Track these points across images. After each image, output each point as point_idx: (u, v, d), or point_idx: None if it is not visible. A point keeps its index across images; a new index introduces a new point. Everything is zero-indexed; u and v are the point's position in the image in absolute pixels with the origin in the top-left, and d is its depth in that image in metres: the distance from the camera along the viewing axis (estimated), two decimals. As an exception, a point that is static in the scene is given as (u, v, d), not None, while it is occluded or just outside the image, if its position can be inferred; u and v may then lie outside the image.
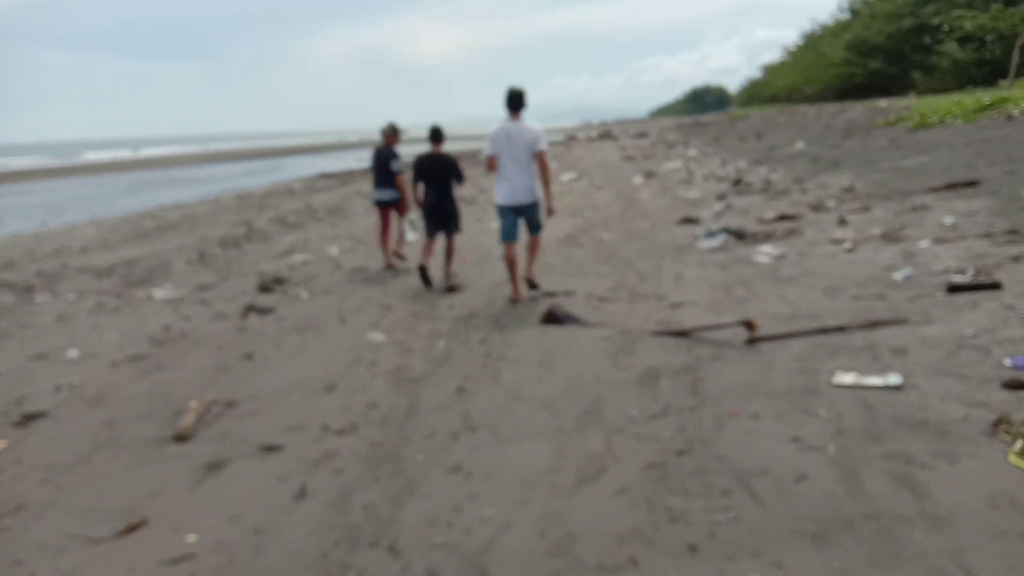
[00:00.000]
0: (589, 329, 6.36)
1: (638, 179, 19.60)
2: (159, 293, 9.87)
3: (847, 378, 4.64)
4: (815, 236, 9.21)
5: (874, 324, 5.64)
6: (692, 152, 27.44)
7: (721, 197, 13.67)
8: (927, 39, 43.89)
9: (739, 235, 9.52)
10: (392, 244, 10.40)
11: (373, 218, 16.07)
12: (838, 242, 8.72)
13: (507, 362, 5.73)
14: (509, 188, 7.35)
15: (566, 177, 21.36)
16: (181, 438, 4.79)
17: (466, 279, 9.03)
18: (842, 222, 9.79)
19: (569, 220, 13.27)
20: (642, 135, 53.51)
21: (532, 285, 7.89)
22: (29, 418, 5.40)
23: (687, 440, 4.02)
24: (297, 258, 11.85)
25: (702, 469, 3.69)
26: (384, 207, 10.16)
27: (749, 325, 5.59)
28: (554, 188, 11.76)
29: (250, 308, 8.42)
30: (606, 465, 3.84)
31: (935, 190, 11.18)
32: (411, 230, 10.83)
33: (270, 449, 4.48)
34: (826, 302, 6.44)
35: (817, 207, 11.27)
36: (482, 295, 8.11)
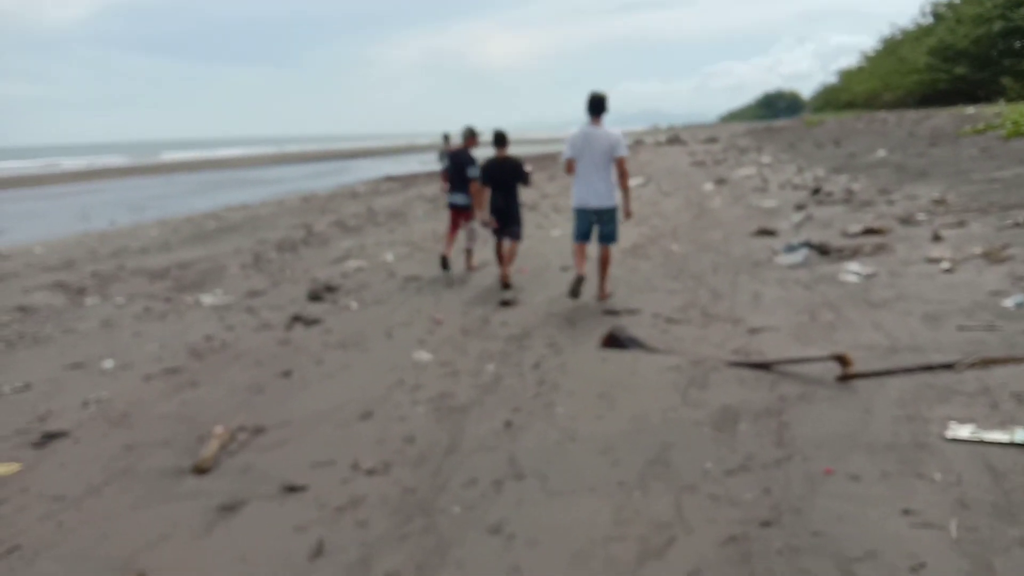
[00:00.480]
0: (655, 356, 5.72)
1: (709, 186, 18.77)
2: (208, 299, 9.57)
3: (963, 431, 3.91)
4: (908, 253, 8.36)
5: (988, 362, 4.86)
6: (766, 159, 26.37)
7: (800, 207, 12.80)
8: (1018, 43, 41.64)
9: (822, 250, 8.73)
10: (453, 248, 10.37)
11: (431, 223, 15.70)
12: (934, 261, 7.87)
13: (562, 392, 5.13)
14: (586, 191, 7.43)
15: (633, 183, 20.60)
16: (200, 470, 4.33)
17: (523, 293, 8.46)
18: (937, 238, 8.90)
19: (635, 228, 12.58)
20: (712, 140, 52.23)
21: (576, 294, 7.62)
22: (49, 438, 5.03)
23: (774, 506, 3.37)
24: (351, 264, 11.46)
25: (793, 548, 3.03)
26: (457, 211, 10.14)
27: (842, 360, 4.87)
28: (620, 195, 11.18)
29: (296, 318, 8.01)
30: (675, 535, 3.21)
31: (1041, 204, 10.16)
32: (471, 237, 10.36)
33: (292, 490, 3.98)
34: (927, 332, 5.66)
35: (907, 220, 10.36)
36: (538, 312, 7.52)
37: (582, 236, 7.63)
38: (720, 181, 19.42)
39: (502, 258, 9.06)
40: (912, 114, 34.50)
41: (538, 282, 9.04)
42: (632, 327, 6.44)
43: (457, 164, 9.88)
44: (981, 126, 20.15)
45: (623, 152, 7.29)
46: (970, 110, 27.11)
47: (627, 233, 11.70)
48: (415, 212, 18.80)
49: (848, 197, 13.48)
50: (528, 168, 9.08)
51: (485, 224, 9.16)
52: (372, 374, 5.91)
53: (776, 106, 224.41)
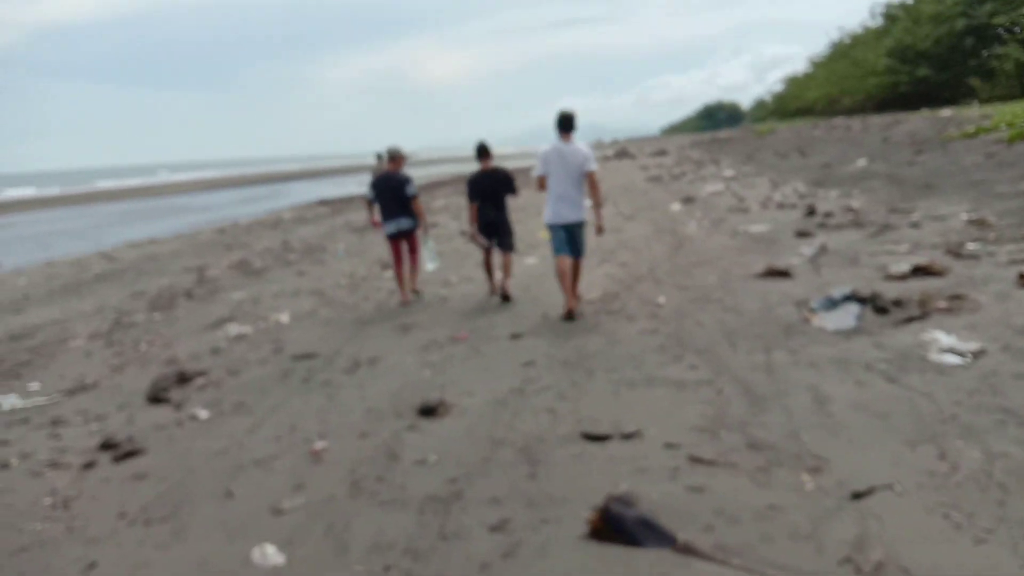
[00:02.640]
0: (692, 566, 3.04)
1: (676, 206, 16.30)
2: (9, 401, 6.69)
3: None
4: (1000, 308, 5.87)
5: None
6: (728, 172, 24.13)
7: (803, 234, 10.34)
8: (973, 41, 40.15)
9: (877, 305, 6.18)
10: (406, 276, 9.30)
11: (350, 263, 12.94)
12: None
13: None
14: (560, 207, 7.53)
15: (589, 203, 18.06)
16: None
17: (457, 393, 5.74)
18: None
19: (601, 267, 9.98)
20: (661, 152, 50.22)
21: (570, 316, 7.40)
22: None
23: None
24: (232, 330, 8.65)
25: None
26: (401, 238, 9.13)
27: None
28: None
29: (107, 446, 5.19)
30: None
31: None
32: (432, 258, 9.43)
33: None
34: None
35: (957, 253, 7.94)
36: (477, 431, 4.79)
37: (561, 249, 7.61)
38: (688, 200, 16.98)
39: (491, 272, 9.02)
40: (877, 119, 32.74)
41: (482, 365, 6.33)
42: (637, 480, 3.77)
43: (393, 186, 8.93)
44: (971, 129, 18.12)
45: (594, 166, 7.53)
46: (945, 112, 25.34)
47: (591, 273, 9.12)
48: (335, 247, 15.95)
49: (856, 219, 11.08)
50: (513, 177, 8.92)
51: (475, 241, 8.86)
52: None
53: (716, 117, 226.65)
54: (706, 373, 5.27)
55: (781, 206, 13.78)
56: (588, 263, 9.96)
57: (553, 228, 7.65)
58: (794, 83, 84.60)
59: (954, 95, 39.63)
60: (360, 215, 24.54)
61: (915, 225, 9.90)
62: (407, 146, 9.62)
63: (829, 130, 34.33)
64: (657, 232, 12.80)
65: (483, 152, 8.75)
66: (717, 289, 7.88)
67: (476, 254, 12.29)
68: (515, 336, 6.93)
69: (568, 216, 7.56)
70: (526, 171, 12.66)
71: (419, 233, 9.24)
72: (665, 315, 7.08)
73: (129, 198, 55.53)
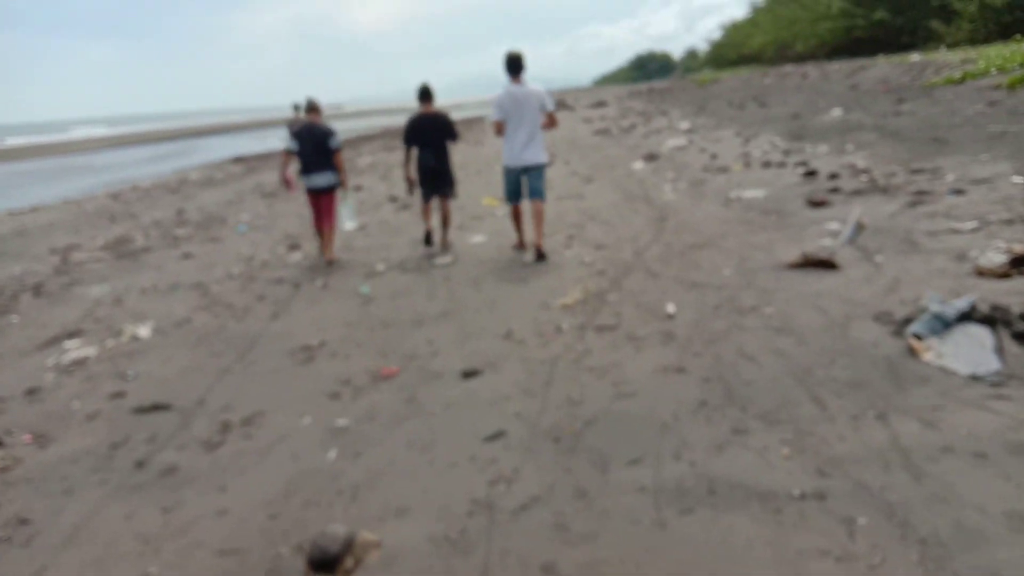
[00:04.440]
0: None
1: (639, 164, 14.14)
2: None
3: None
4: None
5: None
6: (684, 124, 22.03)
7: (817, 204, 8.28)
8: None
9: (1016, 330, 4.10)
10: (328, 237, 8.58)
11: (249, 242, 10.46)
12: None
13: None
14: (520, 150, 7.36)
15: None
16: None
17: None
18: None
19: (570, 249, 7.78)
20: (601, 104, 47.93)
21: (540, 255, 7.43)
22: None
23: None
24: (69, 354, 6.17)
25: None
26: (323, 193, 8.44)
27: None
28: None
29: None
30: None
31: None
32: (351, 216, 8.81)
33: None
34: None
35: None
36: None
37: (515, 196, 7.63)
38: (651, 157, 14.82)
39: (428, 216, 8.60)
40: (835, 66, 30.90)
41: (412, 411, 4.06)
42: None
43: (315, 138, 8.21)
44: (957, 75, 16.34)
45: (552, 106, 7.38)
46: (914, 57, 23.65)
47: (564, 267, 6.91)
48: (237, 218, 13.33)
49: (873, 182, 9.07)
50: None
51: (409, 185, 8.40)
52: None
53: (648, 68, 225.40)
54: (804, 473, 3.11)
55: (767, 164, 11.72)
56: (553, 244, 7.79)
57: (508, 171, 7.51)
58: (735, 30, 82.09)
59: (913, 39, 38.08)
60: (271, 176, 21.82)
61: (958, 191, 7.92)
62: (334, 98, 8.30)
63: (781, 78, 32.53)
64: (627, 199, 10.60)
65: (425, 95, 8.26)
66: (742, 288, 5.73)
67: (409, 229, 9.98)
68: (468, 374, 4.67)
69: (528, 159, 7.37)
70: (461, 123, 10.51)
71: (339, 191, 8.55)
72: (684, 334, 4.90)
73: (31, 157, 50.81)
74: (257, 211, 13.91)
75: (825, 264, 5.93)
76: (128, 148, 54.94)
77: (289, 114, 19.82)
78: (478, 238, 9.07)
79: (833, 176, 9.77)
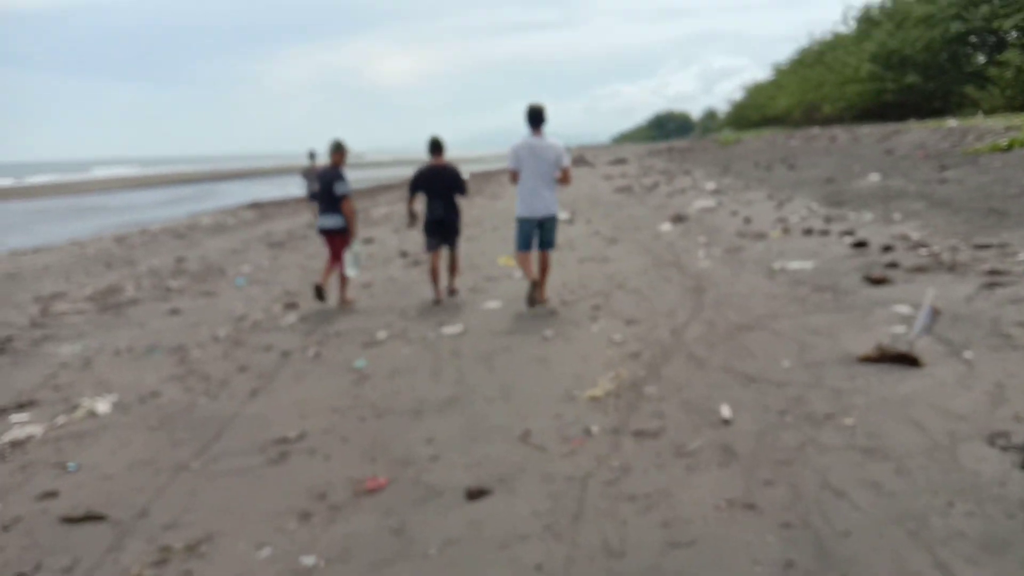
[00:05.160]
0: None
1: (666, 226, 13.27)
2: None
3: None
4: None
5: None
6: (710, 184, 21.24)
7: (876, 281, 7.33)
8: (966, 47, 37.56)
9: None
10: (329, 276, 8.75)
11: (244, 299, 9.61)
12: None
13: None
14: (532, 201, 7.47)
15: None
16: None
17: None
18: None
19: (596, 323, 6.86)
20: (620, 161, 47.52)
21: (533, 302, 7.52)
22: None
23: None
24: (13, 431, 5.27)
25: None
26: (330, 235, 8.61)
27: None
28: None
29: None
30: None
31: None
32: (352, 264, 8.57)
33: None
34: None
35: None
36: None
37: (525, 245, 7.66)
38: (678, 218, 13.96)
39: (436, 276, 8.39)
40: (865, 129, 30.16)
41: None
42: None
43: (326, 181, 8.54)
44: (1004, 143, 15.47)
45: (567, 162, 7.50)
46: (951, 123, 22.86)
47: (586, 339, 5.99)
48: (240, 268, 12.52)
49: (935, 257, 8.13)
50: (465, 177, 8.60)
51: (411, 217, 8.49)
52: None
53: (667, 127, 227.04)
54: None
55: (808, 232, 10.80)
56: (576, 315, 6.87)
57: (522, 222, 7.63)
58: (758, 91, 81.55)
59: (945, 105, 37.27)
60: (282, 224, 21.19)
61: (1037, 272, 6.96)
62: (356, 147, 8.16)
63: (808, 140, 31.83)
64: (657, 264, 9.70)
65: (436, 147, 8.37)
66: (809, 386, 4.75)
67: (418, 288, 9.11)
68: (474, 494, 3.71)
69: (540, 210, 7.51)
70: (479, 176, 9.72)
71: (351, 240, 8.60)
72: (746, 449, 3.93)
73: (51, 195, 50.79)
74: (260, 263, 13.10)
75: (906, 359, 4.96)
76: (148, 189, 54.97)
77: (306, 162, 19.37)
78: (493, 303, 8.18)
79: (887, 248, 8.84)
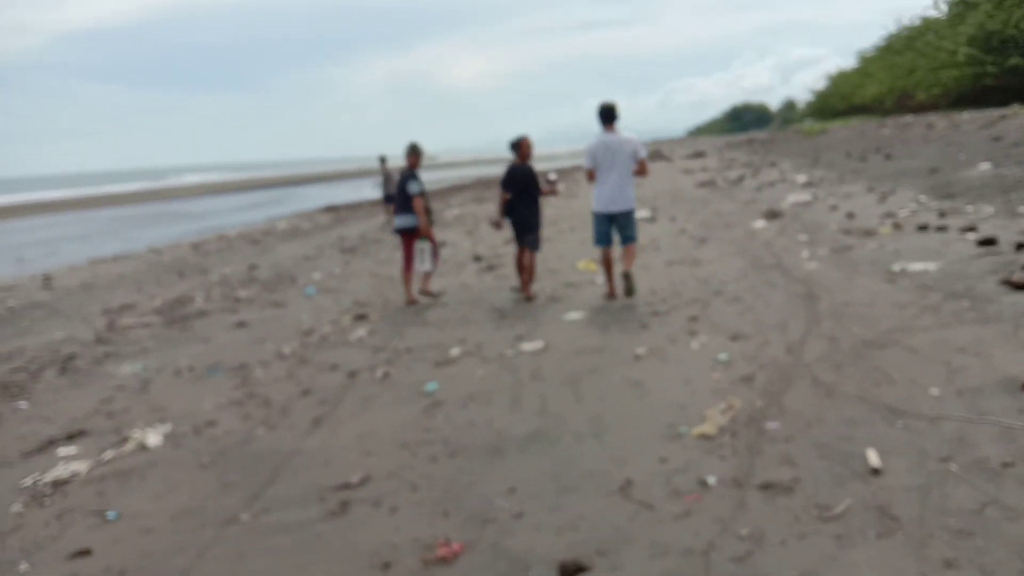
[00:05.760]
0: None
1: (760, 223, 12.30)
2: None
3: None
4: None
5: None
6: (801, 177, 19.99)
7: (1020, 286, 6.31)
8: None
9: None
10: (415, 278, 9.05)
11: (314, 308, 9.14)
12: None
13: None
14: (609, 196, 7.53)
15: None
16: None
17: None
18: None
19: (695, 337, 6.07)
20: (699, 155, 46.07)
21: (629, 284, 7.63)
22: None
23: None
24: (57, 468, 4.83)
25: None
26: (406, 235, 8.84)
27: None
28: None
29: None
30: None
31: None
32: (420, 260, 8.79)
33: None
34: None
35: None
36: None
37: (604, 240, 7.73)
38: (772, 215, 12.94)
39: (522, 269, 8.49)
40: (966, 116, 28.19)
41: None
42: None
43: (401, 182, 8.76)
44: None
45: (644, 154, 7.56)
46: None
47: (693, 366, 5.23)
48: (311, 276, 12.11)
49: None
50: (552, 177, 9.08)
51: (494, 225, 8.63)
52: None
53: (744, 119, 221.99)
54: None
55: (923, 228, 9.72)
56: (671, 328, 6.10)
57: (598, 217, 7.70)
58: (842, 80, 77.94)
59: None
60: (356, 228, 20.90)
61: None
62: (429, 148, 9.47)
63: (901, 129, 29.97)
64: (757, 267, 8.81)
65: (517, 147, 8.31)
66: (972, 423, 3.88)
67: (492, 296, 8.47)
68: (570, 571, 3.00)
69: (616, 205, 7.54)
70: (548, 174, 9.20)
71: (419, 238, 8.80)
72: (910, 514, 3.11)
73: (132, 203, 52.37)
74: (332, 269, 12.67)
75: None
76: (229, 195, 56.12)
77: (388, 164, 19.03)
78: (574, 315, 7.46)
79: (1021, 247, 7.75)
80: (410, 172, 8.76)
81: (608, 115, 7.53)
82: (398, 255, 9.29)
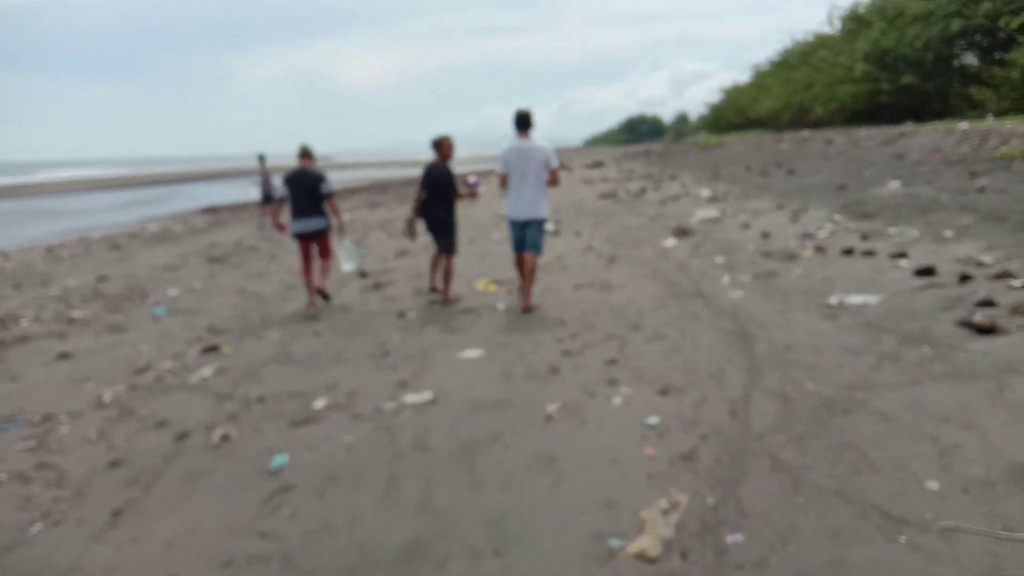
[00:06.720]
0: None
1: (671, 241, 11.43)
2: None
3: None
4: None
5: None
6: (704, 191, 19.44)
7: (980, 329, 5.50)
8: (968, 45, 35.72)
9: None
10: (316, 278, 8.65)
11: (154, 337, 7.57)
12: None
13: None
14: (520, 203, 7.56)
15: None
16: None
17: None
18: None
19: (616, 390, 4.98)
20: (598, 164, 45.75)
21: (527, 310, 7.56)
22: None
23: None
24: None
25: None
26: (310, 238, 8.48)
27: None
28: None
29: None
30: None
31: None
32: (347, 259, 8.77)
33: None
34: None
35: None
36: None
37: (520, 246, 7.74)
38: (682, 232, 12.12)
39: (435, 269, 8.66)
40: (864, 132, 28.51)
41: None
42: None
43: (305, 183, 8.36)
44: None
45: (556, 164, 7.60)
46: (962, 125, 21.28)
47: (618, 438, 4.08)
48: (167, 291, 10.46)
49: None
50: (472, 180, 9.61)
51: (409, 229, 8.37)
52: None
53: (639, 130, 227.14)
54: None
55: (848, 252, 9.02)
56: (586, 374, 4.97)
57: (513, 224, 7.72)
58: (738, 93, 79.61)
59: (944, 106, 35.62)
60: (233, 232, 19.15)
61: None
62: (324, 148, 6.59)
63: (799, 143, 30.22)
64: (674, 293, 7.84)
65: (439, 146, 8.30)
66: (998, 541, 2.90)
67: (374, 324, 7.12)
68: None
69: (526, 213, 7.56)
70: (468, 176, 8.20)
71: (333, 235, 8.69)
72: None
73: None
74: (192, 284, 11.02)
75: None
76: (106, 192, 52.47)
77: (280, 163, 17.40)
78: (471, 352, 6.27)
79: (965, 278, 7.03)
80: (315, 172, 8.50)
81: (523, 122, 7.58)
82: (272, 267, 8.20)
